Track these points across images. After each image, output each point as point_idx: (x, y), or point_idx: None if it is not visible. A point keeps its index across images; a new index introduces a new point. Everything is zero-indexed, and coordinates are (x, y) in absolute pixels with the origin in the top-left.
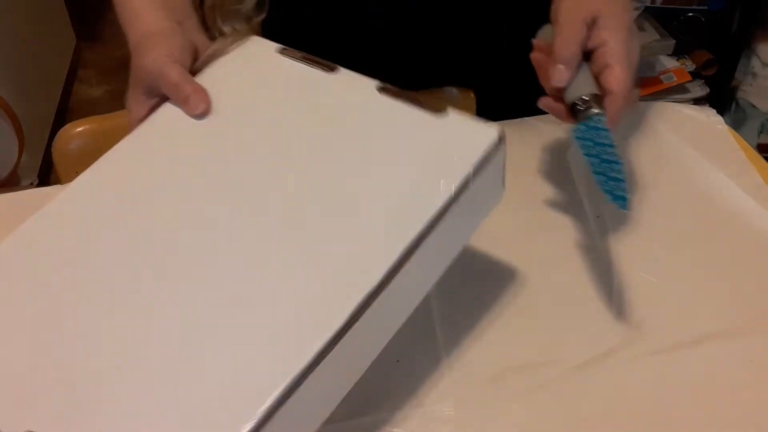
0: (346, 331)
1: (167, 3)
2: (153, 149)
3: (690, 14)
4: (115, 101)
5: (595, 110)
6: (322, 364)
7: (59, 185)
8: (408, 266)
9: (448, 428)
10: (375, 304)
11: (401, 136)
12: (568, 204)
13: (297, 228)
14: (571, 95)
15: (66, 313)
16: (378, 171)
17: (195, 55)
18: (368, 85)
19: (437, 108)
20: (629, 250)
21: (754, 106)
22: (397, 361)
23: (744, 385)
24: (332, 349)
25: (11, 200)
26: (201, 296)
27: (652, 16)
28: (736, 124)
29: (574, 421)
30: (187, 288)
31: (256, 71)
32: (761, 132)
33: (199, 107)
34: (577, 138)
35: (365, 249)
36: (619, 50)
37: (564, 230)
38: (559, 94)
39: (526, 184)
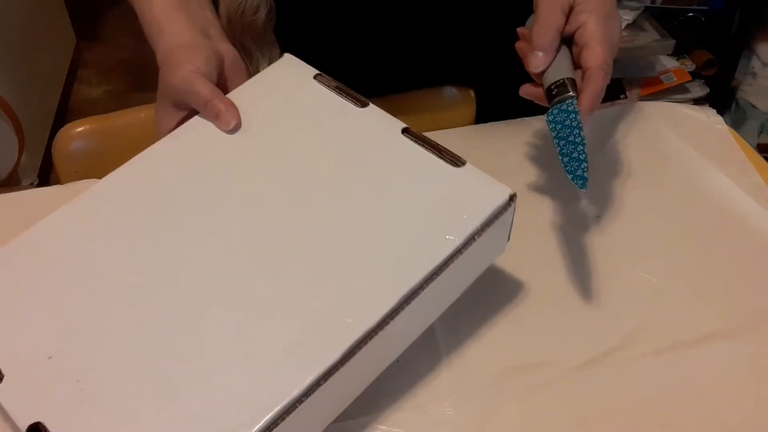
0: (340, 366)
1: (190, 13)
2: (177, 159)
3: (690, 14)
4: (115, 101)
5: (569, 94)
6: (316, 392)
7: (59, 185)
8: (406, 310)
9: (448, 428)
10: (371, 342)
11: (417, 180)
12: (568, 204)
13: (304, 255)
14: (547, 80)
15: (81, 310)
16: (390, 211)
17: (221, 65)
18: (394, 125)
19: (455, 158)
20: (629, 250)
21: (754, 106)
22: (397, 361)
23: (744, 385)
24: (327, 379)
25: (11, 200)
26: (209, 305)
27: (652, 16)
28: (736, 124)
29: (574, 421)
30: (196, 296)
31: (288, 94)
32: (761, 132)
33: (231, 123)
34: (549, 121)
35: (366, 288)
36: (596, 30)
37: (564, 230)
38: (539, 80)
39: (526, 184)
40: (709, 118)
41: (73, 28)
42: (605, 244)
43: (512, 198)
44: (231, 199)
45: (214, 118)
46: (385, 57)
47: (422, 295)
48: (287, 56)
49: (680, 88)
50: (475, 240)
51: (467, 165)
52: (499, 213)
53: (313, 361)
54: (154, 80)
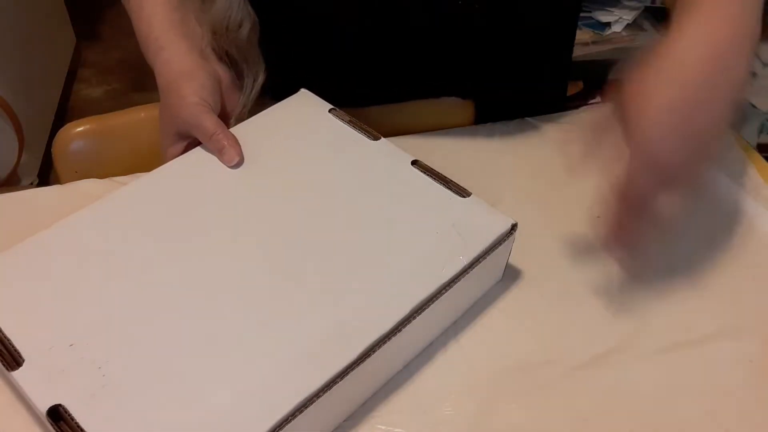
0: (353, 368)
1: (188, 34)
2: (202, 171)
3: None
4: (115, 101)
5: None
6: (329, 392)
7: (59, 185)
8: (415, 321)
9: (447, 428)
10: (383, 348)
11: (427, 208)
12: (568, 204)
13: (322, 266)
14: None
15: (105, 303)
16: (402, 233)
17: (220, 88)
18: (404, 157)
19: (461, 190)
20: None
21: (754, 106)
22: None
23: (744, 385)
24: (341, 379)
25: (11, 200)
26: (231, 306)
27: (652, 16)
28: (736, 124)
29: (574, 421)
30: (219, 295)
31: (304, 125)
32: (761, 132)
33: (234, 159)
34: None
35: (380, 298)
36: (632, 156)
37: (564, 230)
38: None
39: (525, 184)
40: None
41: (73, 28)
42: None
43: (513, 227)
44: (255, 211)
45: (218, 153)
46: (377, 69)
47: (431, 308)
48: (303, 91)
49: None
50: (479, 262)
51: (472, 196)
52: (501, 240)
53: (328, 363)
54: (153, 80)
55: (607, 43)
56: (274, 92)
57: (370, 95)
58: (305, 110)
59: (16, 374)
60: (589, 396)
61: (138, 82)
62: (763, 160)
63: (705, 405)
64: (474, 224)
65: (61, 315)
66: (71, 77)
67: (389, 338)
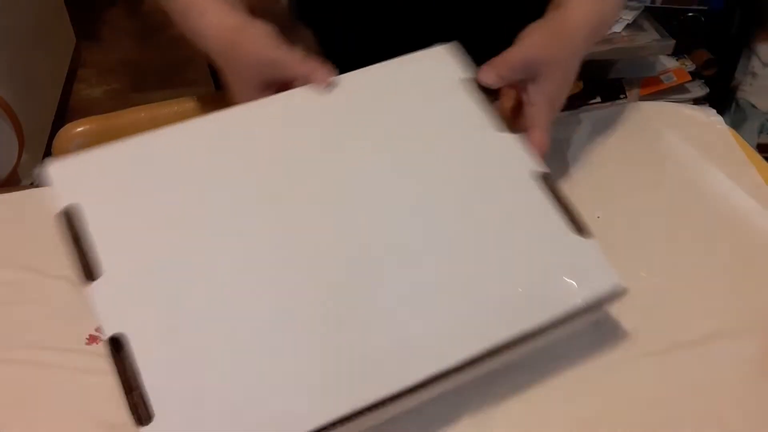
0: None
1: None
2: (300, 114)
3: (690, 14)
4: (115, 101)
5: None
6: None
7: None
8: (477, 364)
9: (447, 428)
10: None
11: (537, 236)
12: None
13: (403, 278)
14: None
15: (184, 231)
16: (503, 258)
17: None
18: (528, 163)
19: (581, 227)
20: (629, 250)
21: (754, 106)
22: None
23: (744, 385)
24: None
25: (11, 200)
26: (313, 282)
27: (652, 16)
28: (736, 124)
29: (574, 421)
30: (306, 269)
31: (424, 89)
32: (761, 132)
33: (326, 78)
34: None
35: (467, 320)
36: (543, 115)
37: None
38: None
39: None
40: (709, 118)
41: (73, 28)
42: (605, 244)
43: (622, 292)
44: (355, 175)
45: (311, 74)
46: (417, 41)
47: (506, 351)
48: (439, 48)
49: (680, 88)
50: (572, 319)
51: (592, 239)
52: (603, 300)
53: (395, 377)
54: (153, 80)
55: (607, 43)
56: None
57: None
58: (434, 72)
59: (91, 288)
60: (588, 396)
61: (138, 82)
62: (763, 160)
63: (705, 405)
64: (579, 271)
65: (146, 236)
66: (71, 77)
67: (441, 377)
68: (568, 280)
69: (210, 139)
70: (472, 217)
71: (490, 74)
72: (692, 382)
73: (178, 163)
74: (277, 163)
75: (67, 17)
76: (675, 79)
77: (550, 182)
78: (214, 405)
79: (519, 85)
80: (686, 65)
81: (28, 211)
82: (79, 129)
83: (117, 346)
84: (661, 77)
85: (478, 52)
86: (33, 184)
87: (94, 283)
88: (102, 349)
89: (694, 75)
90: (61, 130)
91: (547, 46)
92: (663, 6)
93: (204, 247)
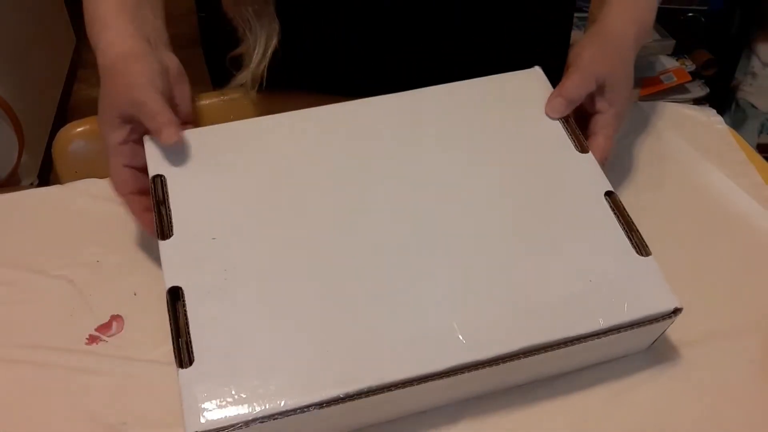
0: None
1: (138, 20)
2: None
3: (690, 14)
4: None
5: None
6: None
7: (59, 185)
8: (516, 361)
9: (447, 428)
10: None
11: (597, 250)
12: None
13: (450, 270)
14: None
15: (249, 209)
16: (558, 265)
17: (168, 76)
18: (601, 183)
19: (642, 246)
20: None
21: (754, 106)
22: None
23: (744, 385)
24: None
25: (11, 200)
26: (388, 252)
27: None
28: (736, 124)
29: (574, 421)
30: (377, 241)
31: (512, 105)
32: (761, 132)
33: (172, 139)
34: None
35: (499, 320)
36: (610, 124)
37: None
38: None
39: None
40: (709, 118)
41: (73, 28)
42: None
43: (676, 312)
44: (433, 177)
45: (155, 132)
46: (394, 44)
47: (550, 353)
48: (536, 69)
49: (680, 88)
50: (618, 332)
51: (651, 258)
52: (656, 319)
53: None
54: None
55: None
56: (284, 58)
57: (388, 73)
58: (524, 91)
59: (161, 245)
60: (589, 396)
61: None
62: (763, 160)
63: (705, 405)
64: (637, 290)
65: (216, 208)
66: (71, 77)
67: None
68: (629, 294)
69: (296, 132)
70: (535, 224)
71: (558, 104)
72: (692, 382)
73: (258, 150)
74: (353, 162)
75: (67, 17)
76: (675, 79)
77: (615, 201)
78: (247, 360)
79: (585, 98)
80: (686, 65)
81: (28, 211)
82: (79, 129)
83: (174, 297)
84: (661, 77)
85: (481, 51)
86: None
87: (164, 241)
88: (102, 349)
89: (694, 75)
90: (61, 130)
91: (604, 59)
92: (663, 6)
93: (264, 224)
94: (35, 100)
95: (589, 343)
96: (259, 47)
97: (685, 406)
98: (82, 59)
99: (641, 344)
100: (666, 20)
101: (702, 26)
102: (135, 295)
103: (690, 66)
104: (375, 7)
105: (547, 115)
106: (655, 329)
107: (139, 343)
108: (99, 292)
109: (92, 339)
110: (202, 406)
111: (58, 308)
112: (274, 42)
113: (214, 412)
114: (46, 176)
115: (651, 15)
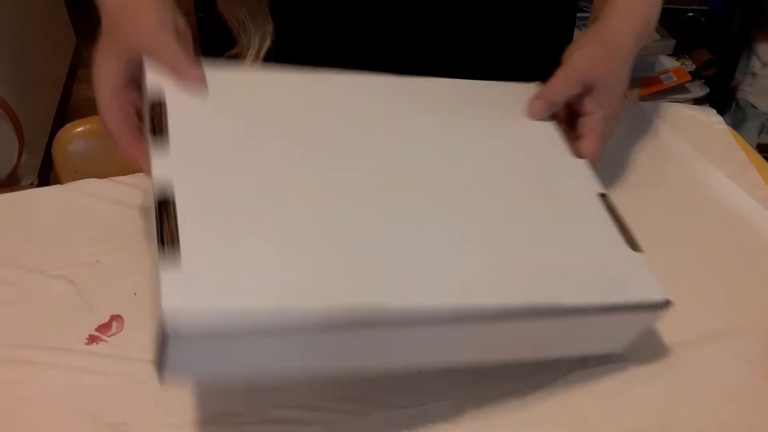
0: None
1: None
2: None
3: (690, 14)
4: None
5: None
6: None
7: (59, 185)
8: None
9: (448, 428)
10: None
11: (591, 243)
12: None
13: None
14: None
15: (266, 162)
16: (554, 248)
17: (177, 31)
18: (594, 186)
19: (634, 244)
20: None
21: (754, 106)
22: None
23: (744, 385)
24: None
25: (11, 200)
26: (381, 219)
27: None
28: (736, 124)
29: (574, 421)
30: (376, 210)
31: (514, 110)
32: (761, 132)
33: (194, 79)
34: None
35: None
36: (598, 125)
37: None
38: None
39: None
40: (709, 118)
41: (73, 28)
42: None
43: (664, 306)
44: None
45: (177, 73)
46: (391, 45)
47: (536, 321)
48: (538, 84)
49: (680, 88)
50: (606, 313)
51: (642, 254)
52: (643, 308)
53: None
54: None
55: None
56: (278, 58)
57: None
58: (520, 95)
59: (157, 161)
60: (588, 396)
61: None
62: (763, 160)
63: (705, 405)
64: (628, 281)
65: (216, 139)
66: (71, 77)
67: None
68: (619, 282)
69: (308, 90)
70: (527, 218)
71: (538, 107)
72: (692, 382)
73: (266, 99)
74: (358, 129)
75: (67, 17)
76: (675, 79)
77: (608, 202)
78: (237, 266)
79: (573, 99)
80: (686, 65)
81: (28, 211)
82: (79, 129)
83: (163, 206)
84: (661, 77)
85: (480, 51)
86: (33, 184)
87: (157, 158)
88: (102, 349)
89: (694, 75)
90: (61, 130)
91: (599, 61)
92: (663, 6)
93: (263, 159)
94: (35, 100)
95: (574, 320)
96: (253, 48)
97: (684, 406)
98: (82, 59)
99: (621, 339)
100: (666, 20)
101: (702, 26)
102: (135, 295)
103: (690, 66)
104: (373, 6)
105: (529, 116)
106: (638, 320)
107: (139, 343)
108: (99, 292)
109: (92, 339)
110: (182, 306)
111: (57, 308)
112: (267, 42)
113: (196, 317)
114: (46, 176)
115: (655, 11)
